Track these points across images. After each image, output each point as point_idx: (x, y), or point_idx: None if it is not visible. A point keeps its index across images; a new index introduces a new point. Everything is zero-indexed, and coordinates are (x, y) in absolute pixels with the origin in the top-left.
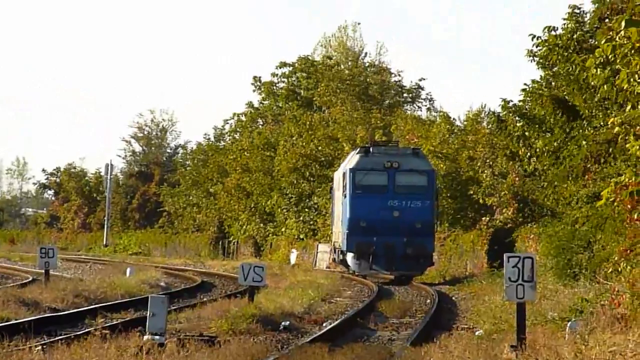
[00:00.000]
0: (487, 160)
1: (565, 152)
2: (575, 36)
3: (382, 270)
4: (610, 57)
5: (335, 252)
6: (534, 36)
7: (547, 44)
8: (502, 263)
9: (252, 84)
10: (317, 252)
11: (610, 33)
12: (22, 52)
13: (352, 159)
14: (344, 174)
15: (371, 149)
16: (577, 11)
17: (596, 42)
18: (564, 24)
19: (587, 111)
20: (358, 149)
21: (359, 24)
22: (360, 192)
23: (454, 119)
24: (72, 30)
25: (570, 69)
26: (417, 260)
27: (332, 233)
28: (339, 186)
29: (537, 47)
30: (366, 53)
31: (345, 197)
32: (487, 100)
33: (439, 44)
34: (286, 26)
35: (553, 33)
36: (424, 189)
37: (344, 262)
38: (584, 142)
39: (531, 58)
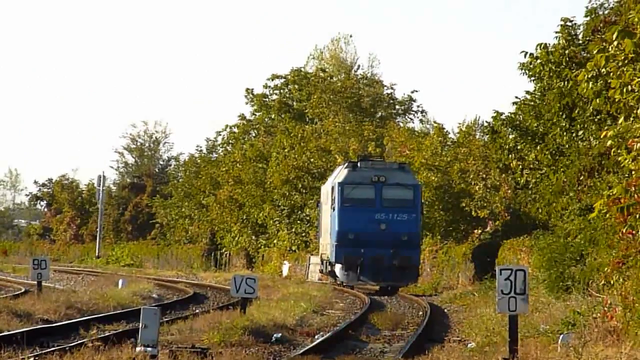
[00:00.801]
0: (480, 173)
1: (562, 161)
2: (567, 52)
3: (369, 281)
4: (602, 69)
5: (323, 263)
6: (526, 53)
7: (539, 60)
8: (490, 275)
9: (245, 96)
10: (309, 264)
11: (604, 44)
12: (14, 61)
13: (340, 173)
14: (333, 187)
15: (359, 164)
16: (569, 24)
17: (588, 55)
18: (556, 37)
19: (578, 125)
20: (346, 164)
21: (351, 36)
22: (348, 206)
23: (447, 131)
24: (66, 40)
25: (563, 84)
26: (404, 272)
27: (319, 245)
28: (327, 199)
29: (530, 63)
30: (359, 65)
31: (333, 210)
32: (484, 111)
33: (436, 53)
34: (280, 38)
35: (544, 50)
36: (410, 202)
37: (332, 273)
38: (577, 156)
39: (523, 71)
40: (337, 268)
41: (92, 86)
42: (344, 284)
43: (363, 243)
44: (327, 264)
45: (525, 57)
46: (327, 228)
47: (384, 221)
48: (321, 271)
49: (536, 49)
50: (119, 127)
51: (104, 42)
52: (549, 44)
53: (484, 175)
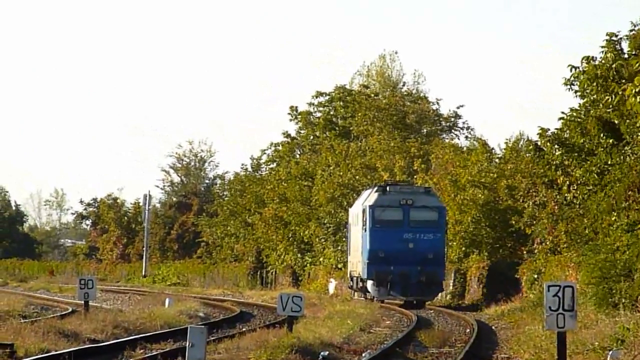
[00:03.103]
0: (530, 191)
1: (609, 177)
2: (614, 65)
3: (398, 295)
4: None
5: (352, 280)
6: (573, 67)
7: (585, 75)
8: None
9: (289, 113)
10: None
11: None
12: (59, 81)
13: (370, 197)
14: (364, 210)
15: (387, 188)
16: (615, 39)
17: (635, 69)
18: (602, 52)
19: (629, 136)
20: (375, 188)
21: (396, 52)
22: (378, 227)
23: (492, 148)
24: (112, 60)
25: (610, 98)
26: (430, 287)
27: (348, 263)
28: (357, 221)
29: (575, 77)
30: (404, 83)
31: (365, 230)
32: (529, 127)
33: (480, 69)
34: (325, 55)
35: (592, 63)
36: (435, 223)
37: (363, 289)
38: (626, 171)
39: (569, 87)
40: (369, 284)
41: (138, 106)
42: (375, 299)
43: (392, 261)
44: (358, 280)
45: (571, 70)
46: (358, 247)
47: (411, 240)
48: (350, 287)
49: (582, 63)
50: (164, 147)
51: (150, 61)
52: (595, 57)
53: (534, 193)
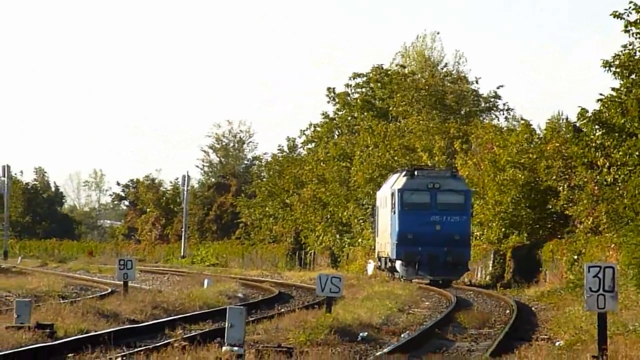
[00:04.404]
0: (563, 175)
1: None
2: None
3: (426, 275)
4: None
5: (381, 260)
6: (616, 15)
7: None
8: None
9: (326, 95)
10: None
11: None
12: (97, 66)
13: (398, 181)
14: (393, 193)
15: (415, 172)
16: None
17: None
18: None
19: None
20: (403, 172)
21: (438, 33)
22: (407, 209)
23: (534, 129)
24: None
25: None
26: (456, 267)
27: (376, 244)
28: (386, 204)
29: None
30: (446, 64)
31: (394, 213)
32: (567, 106)
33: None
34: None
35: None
36: (461, 206)
37: (392, 269)
38: None
39: (607, 69)
40: (398, 264)
41: (175, 88)
42: (403, 278)
43: (420, 242)
44: (387, 260)
45: (616, 18)
46: (386, 229)
47: (438, 223)
48: (379, 267)
49: (630, 5)
50: (202, 128)
51: (189, 43)
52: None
53: (567, 177)
